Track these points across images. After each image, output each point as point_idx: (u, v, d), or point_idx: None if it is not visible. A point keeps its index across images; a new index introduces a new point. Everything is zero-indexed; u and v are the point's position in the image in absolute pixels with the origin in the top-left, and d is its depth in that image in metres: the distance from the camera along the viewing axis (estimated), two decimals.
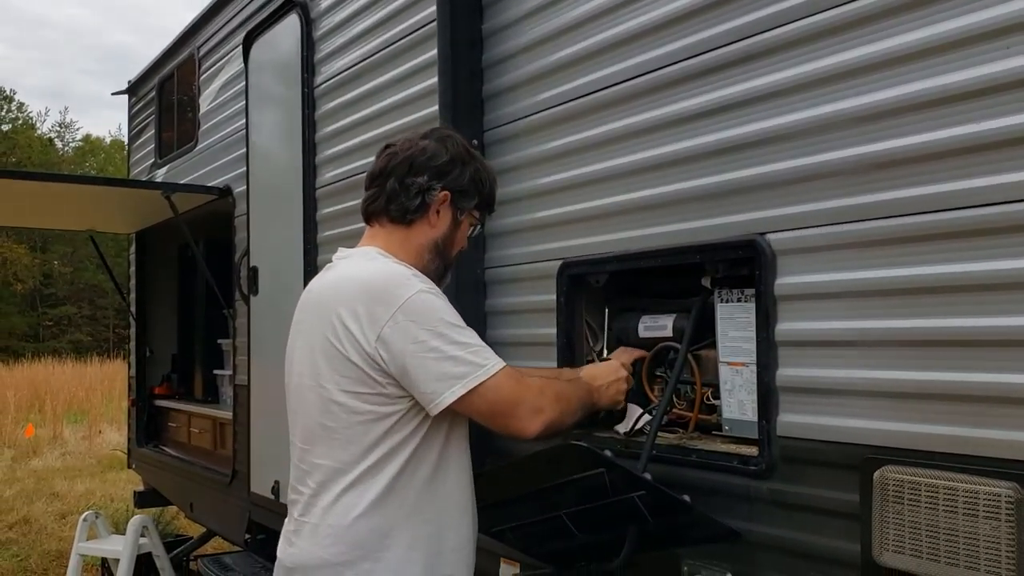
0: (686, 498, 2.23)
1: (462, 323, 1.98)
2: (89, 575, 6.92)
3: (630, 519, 2.26)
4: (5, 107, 43.25)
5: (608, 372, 2.33)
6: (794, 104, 2.13)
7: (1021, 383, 1.71)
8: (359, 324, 1.92)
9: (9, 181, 5.48)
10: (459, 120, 3.12)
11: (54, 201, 5.94)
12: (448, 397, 1.90)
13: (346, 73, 4.01)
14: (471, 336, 1.97)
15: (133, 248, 7.01)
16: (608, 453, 2.11)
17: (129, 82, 7.10)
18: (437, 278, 2.15)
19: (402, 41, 3.59)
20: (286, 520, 2.16)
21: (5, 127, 42.67)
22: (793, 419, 2.13)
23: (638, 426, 2.56)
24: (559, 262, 2.82)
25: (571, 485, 2.23)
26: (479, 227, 2.27)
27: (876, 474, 1.90)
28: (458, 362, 1.91)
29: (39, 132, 44.41)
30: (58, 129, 47.25)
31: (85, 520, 6.01)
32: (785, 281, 2.16)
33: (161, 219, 6.05)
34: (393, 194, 2.08)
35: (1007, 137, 1.74)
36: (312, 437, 2.04)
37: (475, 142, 3.16)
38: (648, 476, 2.19)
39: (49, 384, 18.81)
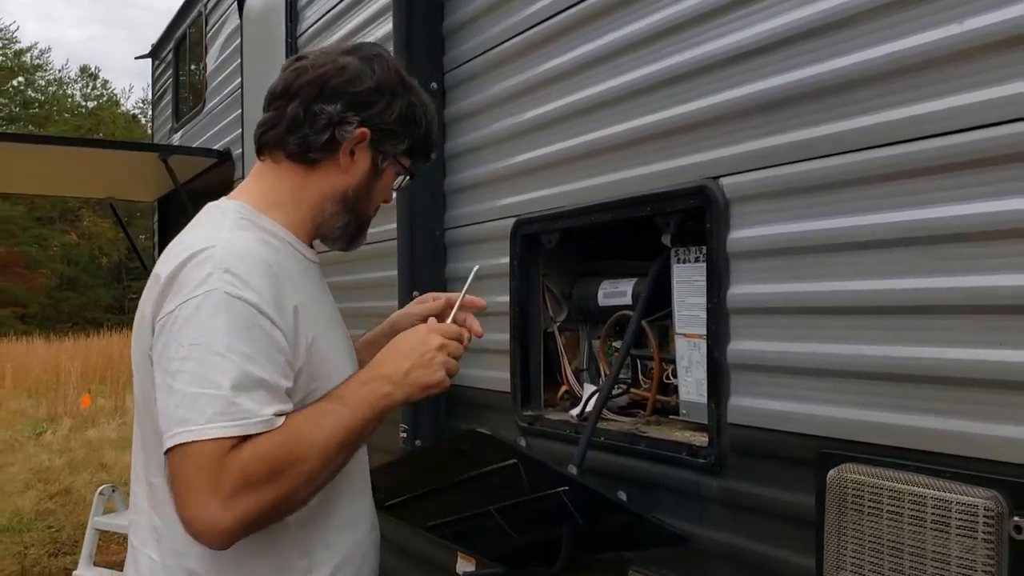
0: (622, 496, 1.88)
1: (245, 350, 1.39)
2: (120, 548, 6.86)
3: (563, 518, 1.91)
4: (91, 84, 44.37)
5: (407, 349, 1.58)
6: (752, 16, 1.74)
7: (1016, 361, 1.31)
8: (153, 310, 1.47)
9: (24, 147, 5.35)
10: (415, 61, 2.79)
11: (74, 168, 5.79)
12: (167, 442, 1.37)
13: (323, 19, 3.70)
14: (228, 373, 1.37)
15: (156, 217, 6.87)
16: (522, 441, 1.77)
17: (152, 45, 6.93)
18: (345, 239, 1.71)
19: None
20: None
21: (91, 104, 43.78)
22: (746, 403, 1.75)
23: (589, 408, 2.20)
24: (513, 220, 2.47)
25: (487, 478, 1.88)
26: (408, 178, 1.75)
27: (831, 474, 1.51)
28: (180, 404, 1.37)
29: (123, 108, 45.44)
30: (141, 106, 48.29)
31: (101, 494, 5.90)
32: (740, 235, 1.77)
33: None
34: (295, 123, 1.59)
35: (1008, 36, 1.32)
36: (146, 446, 1.56)
37: (434, 86, 2.82)
38: (573, 469, 1.84)
39: (123, 355, 19.16)
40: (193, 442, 1.34)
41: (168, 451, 1.37)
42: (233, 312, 1.40)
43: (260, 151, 1.70)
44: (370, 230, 3.22)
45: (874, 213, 1.52)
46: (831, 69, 1.58)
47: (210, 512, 1.34)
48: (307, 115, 1.59)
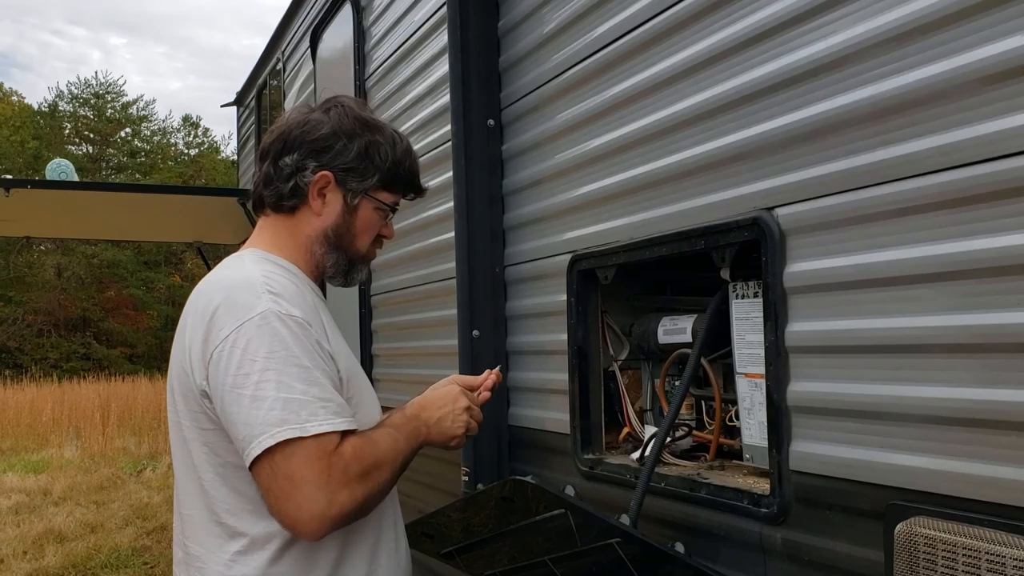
0: (679, 547, 1.77)
1: (312, 362, 1.53)
2: None
3: (620, 569, 1.81)
4: (192, 133, 46.11)
5: (442, 401, 1.76)
6: (803, 38, 1.64)
7: None
8: (202, 344, 1.54)
9: (121, 196, 5.54)
10: (472, 98, 2.75)
11: (166, 214, 5.97)
12: (255, 449, 1.46)
13: (387, 62, 3.71)
14: (311, 381, 1.51)
15: None
16: (569, 489, 1.68)
17: (236, 94, 7.13)
18: (341, 274, 1.78)
19: (431, 20, 3.26)
20: None
21: (192, 152, 45.47)
22: (808, 449, 1.63)
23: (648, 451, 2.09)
24: (570, 256, 2.39)
25: (540, 526, 1.80)
26: (393, 211, 1.80)
27: (900, 527, 1.38)
28: (273, 408, 1.47)
29: (223, 155, 47.07)
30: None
31: None
32: (797, 268, 1.66)
33: None
34: (268, 178, 1.72)
35: None
36: (180, 480, 1.69)
37: (491, 122, 2.78)
38: (626, 519, 1.74)
39: None
40: (298, 439, 1.46)
41: (264, 453, 1.46)
42: (291, 328, 1.53)
43: (254, 208, 1.85)
44: (429, 269, 3.21)
45: (943, 242, 1.40)
46: (888, 90, 1.47)
47: (319, 503, 1.47)
48: (275, 169, 1.73)
